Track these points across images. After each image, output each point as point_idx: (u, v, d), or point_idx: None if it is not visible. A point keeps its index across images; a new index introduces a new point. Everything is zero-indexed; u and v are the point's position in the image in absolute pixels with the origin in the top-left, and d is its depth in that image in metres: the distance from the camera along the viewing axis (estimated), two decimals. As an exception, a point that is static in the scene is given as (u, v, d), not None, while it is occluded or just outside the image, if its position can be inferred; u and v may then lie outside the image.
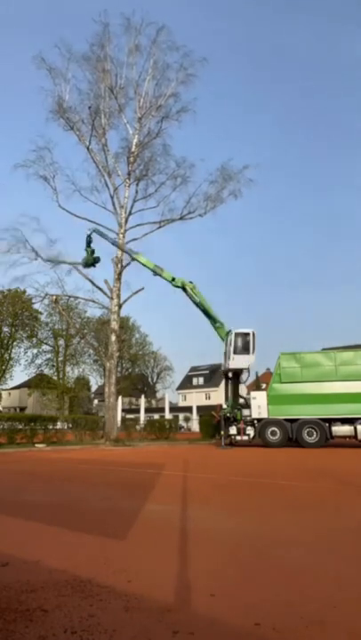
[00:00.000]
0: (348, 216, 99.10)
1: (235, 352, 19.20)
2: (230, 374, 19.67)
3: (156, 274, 20.78)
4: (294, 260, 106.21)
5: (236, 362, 19.24)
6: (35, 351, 47.66)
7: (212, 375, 57.19)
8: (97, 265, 22.41)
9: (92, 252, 22.12)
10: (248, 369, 19.62)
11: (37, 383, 47.96)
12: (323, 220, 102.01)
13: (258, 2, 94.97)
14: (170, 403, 44.51)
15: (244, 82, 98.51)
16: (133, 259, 21.67)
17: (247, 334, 19.46)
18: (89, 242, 21.94)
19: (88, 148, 23.66)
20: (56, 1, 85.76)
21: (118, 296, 22.77)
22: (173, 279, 20.54)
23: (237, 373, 19.65)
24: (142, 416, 34.38)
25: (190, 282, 20.54)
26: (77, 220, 23.31)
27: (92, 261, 22.11)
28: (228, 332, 19.70)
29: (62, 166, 28.20)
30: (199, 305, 20.51)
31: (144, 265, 21.10)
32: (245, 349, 19.27)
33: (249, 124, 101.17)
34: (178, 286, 20.58)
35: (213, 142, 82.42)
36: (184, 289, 20.47)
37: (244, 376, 19.92)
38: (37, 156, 23.06)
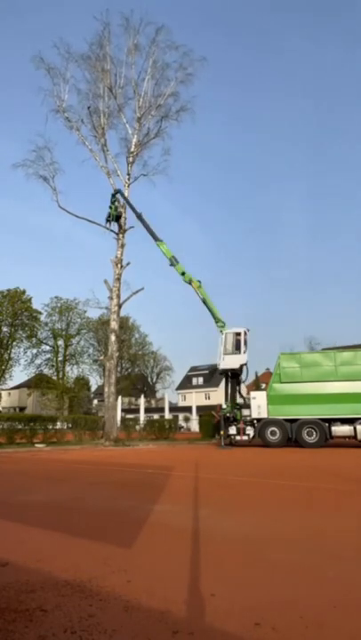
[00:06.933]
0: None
1: (225, 352, 19.24)
2: (230, 374, 19.63)
3: (171, 264, 21.49)
4: (294, 258, 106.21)
5: (227, 362, 19.22)
6: (34, 351, 47.65)
7: (212, 375, 57.19)
8: (119, 220, 23.31)
9: (116, 208, 23.05)
10: (246, 367, 19.59)
11: (37, 383, 47.91)
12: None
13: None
14: (169, 403, 44.49)
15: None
16: (157, 243, 22.07)
17: (238, 334, 19.47)
18: (113, 201, 23.13)
19: (89, 149, 23.74)
20: (55, 1, 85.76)
21: (118, 296, 22.74)
22: (183, 273, 21.19)
23: (236, 373, 19.61)
24: (142, 416, 34.35)
25: (198, 280, 21.01)
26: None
27: (114, 217, 23.09)
28: (221, 332, 19.78)
29: (62, 166, 28.19)
30: (204, 302, 20.83)
31: (164, 253, 21.78)
32: (237, 349, 19.26)
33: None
34: (186, 281, 21.12)
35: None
36: (191, 284, 20.96)
37: (243, 375, 19.90)
38: (37, 156, 23.11)
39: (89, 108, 23.64)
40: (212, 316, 20.52)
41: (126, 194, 23.85)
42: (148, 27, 23.38)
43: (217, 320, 20.29)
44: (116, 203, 23.15)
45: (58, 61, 23.52)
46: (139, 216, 22.42)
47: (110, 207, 23.06)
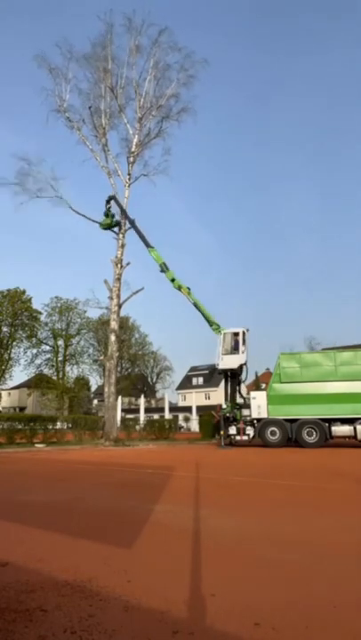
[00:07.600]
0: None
1: (223, 352, 19.24)
2: (229, 374, 19.63)
3: (162, 270, 21.46)
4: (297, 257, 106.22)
5: (226, 362, 19.22)
6: (34, 351, 47.64)
7: (212, 375, 57.14)
8: (115, 228, 23.34)
9: (113, 215, 23.05)
10: (245, 367, 19.58)
11: (37, 383, 47.91)
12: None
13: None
14: (169, 403, 44.48)
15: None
16: (148, 249, 22.02)
17: (237, 334, 19.48)
18: (108, 208, 23.03)
19: (89, 149, 23.77)
20: (57, 0, 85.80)
21: (118, 296, 22.73)
22: (173, 280, 21.16)
23: (236, 373, 19.61)
24: (142, 416, 34.35)
25: (188, 287, 21.03)
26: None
27: (110, 224, 23.07)
28: (219, 333, 19.79)
29: (62, 166, 28.22)
30: (196, 307, 20.86)
31: (154, 259, 21.75)
32: (235, 349, 19.25)
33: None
34: (176, 287, 21.15)
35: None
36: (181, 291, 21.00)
37: (242, 375, 19.89)
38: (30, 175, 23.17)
39: (90, 108, 23.66)
40: (206, 321, 20.51)
41: (127, 194, 23.88)
42: (150, 28, 23.42)
43: (211, 323, 20.29)
44: (112, 210, 23.01)
45: (59, 61, 23.55)
46: (132, 222, 22.44)
47: (107, 215, 22.83)
